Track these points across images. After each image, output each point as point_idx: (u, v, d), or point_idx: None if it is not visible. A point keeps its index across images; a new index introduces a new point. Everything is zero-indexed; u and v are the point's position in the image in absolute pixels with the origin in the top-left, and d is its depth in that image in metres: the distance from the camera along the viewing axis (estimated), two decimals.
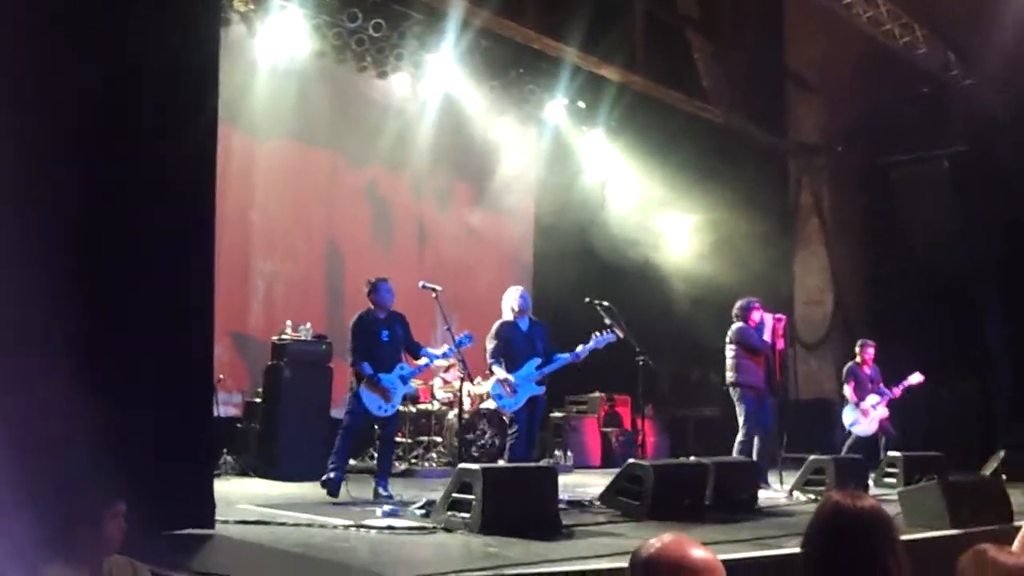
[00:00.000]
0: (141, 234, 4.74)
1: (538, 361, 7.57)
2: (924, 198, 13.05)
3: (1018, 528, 6.24)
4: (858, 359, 10.10)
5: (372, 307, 7.43)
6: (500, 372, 7.49)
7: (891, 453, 9.22)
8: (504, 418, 9.73)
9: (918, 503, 6.18)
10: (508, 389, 7.45)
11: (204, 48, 5.29)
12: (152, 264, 4.78)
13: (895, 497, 6.65)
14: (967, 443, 10.20)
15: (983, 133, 12.41)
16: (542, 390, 7.63)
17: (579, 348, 7.69)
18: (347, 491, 6.97)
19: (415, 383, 10.27)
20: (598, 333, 7.75)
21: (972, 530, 5.66)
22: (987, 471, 9.31)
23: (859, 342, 10.31)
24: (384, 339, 7.34)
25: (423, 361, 7.67)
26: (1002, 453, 9.59)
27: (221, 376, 9.04)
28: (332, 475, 6.99)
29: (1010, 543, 3.49)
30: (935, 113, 12.74)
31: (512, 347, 7.58)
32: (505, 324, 7.68)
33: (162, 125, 4.88)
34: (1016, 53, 11.33)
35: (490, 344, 7.61)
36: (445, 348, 7.78)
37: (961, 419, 11.08)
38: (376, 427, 7.60)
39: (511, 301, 7.72)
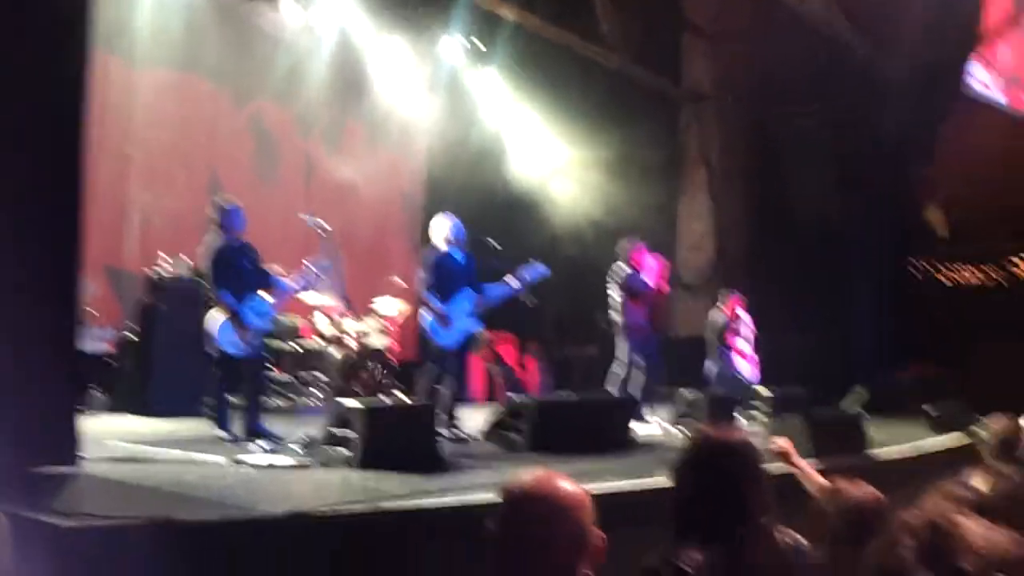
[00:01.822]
0: (3, 160, 4.46)
1: (474, 295, 7.29)
2: (805, 153, 13.46)
3: (873, 459, 6.64)
4: (726, 309, 10.45)
5: (224, 233, 6.74)
6: (435, 304, 7.17)
7: (758, 388, 9.63)
8: (388, 356, 9.63)
9: (783, 436, 6.45)
10: (444, 322, 7.14)
11: None
12: (15, 192, 4.52)
13: (762, 431, 6.98)
14: (830, 383, 10.72)
15: (863, 94, 12.83)
16: (480, 326, 7.37)
17: (514, 282, 7.46)
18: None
19: (296, 319, 10.08)
20: (528, 266, 7.52)
21: (832, 462, 5.97)
22: (848, 407, 9.84)
23: (725, 293, 10.66)
24: (246, 268, 6.80)
25: (275, 296, 7.01)
26: (860, 390, 10.15)
27: (93, 310, 8.68)
28: (226, 434, 6.54)
29: (865, 475, 3.68)
30: (822, 71, 13.07)
31: (449, 279, 7.23)
32: (441, 254, 7.33)
33: (30, 48, 4.59)
34: (904, 19, 11.70)
35: (424, 275, 7.28)
36: (297, 279, 7.06)
37: (825, 362, 11.65)
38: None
39: (443, 230, 7.36)
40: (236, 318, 6.63)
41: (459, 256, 7.38)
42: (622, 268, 8.83)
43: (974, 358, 11.67)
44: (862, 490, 2.87)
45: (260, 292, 6.89)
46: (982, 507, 2.79)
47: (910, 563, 1.79)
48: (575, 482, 1.86)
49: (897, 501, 2.85)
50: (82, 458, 4.79)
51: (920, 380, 11.21)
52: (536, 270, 7.52)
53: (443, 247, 7.36)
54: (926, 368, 11.69)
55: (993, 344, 11.82)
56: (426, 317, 7.31)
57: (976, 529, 1.99)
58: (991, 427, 4.60)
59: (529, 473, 1.87)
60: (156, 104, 10.43)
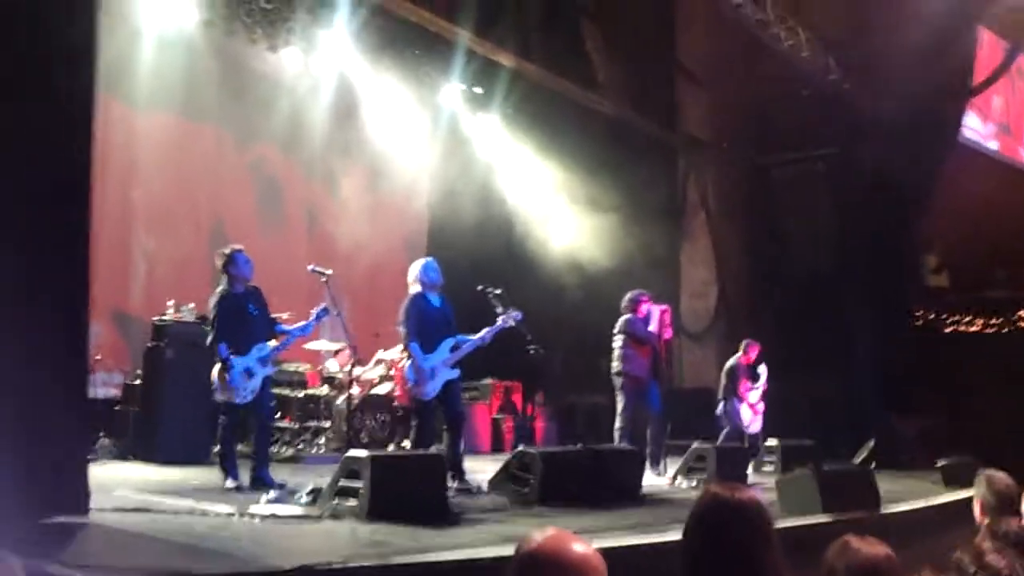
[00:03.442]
0: (10, 207, 4.48)
1: (452, 342, 7.07)
2: (801, 197, 13.59)
3: (884, 514, 6.59)
4: (740, 357, 10.45)
5: (231, 280, 6.79)
6: (419, 355, 6.92)
7: (769, 442, 9.59)
8: (395, 405, 9.54)
9: (793, 491, 6.44)
10: (426, 373, 6.91)
11: (80, 10, 4.93)
12: (23, 239, 4.51)
13: (772, 485, 6.96)
14: (839, 432, 10.70)
15: (855, 137, 12.99)
16: (457, 373, 7.11)
17: (486, 329, 7.26)
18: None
19: (303, 367, 10.07)
20: (506, 313, 7.35)
21: (843, 517, 5.96)
22: (858, 460, 9.80)
23: (744, 342, 10.66)
24: (253, 314, 6.76)
25: (280, 340, 7.03)
26: (872, 443, 10.12)
27: (99, 356, 8.69)
28: (231, 483, 6.52)
29: (877, 530, 3.68)
30: (814, 115, 13.25)
31: (427, 325, 6.98)
32: (418, 298, 7.06)
33: (33, 92, 4.57)
34: (897, 66, 11.89)
35: (404, 321, 7.01)
36: (302, 323, 7.09)
37: (832, 409, 11.61)
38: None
39: (418, 273, 7.14)
40: (226, 367, 6.60)
41: (436, 301, 7.15)
42: (626, 317, 8.79)
43: (974, 407, 11.68)
44: (873, 547, 2.87)
45: (266, 338, 6.89)
46: None
47: None
48: (586, 542, 1.86)
49: (909, 558, 2.88)
50: (91, 508, 4.77)
51: (922, 430, 11.19)
52: (513, 316, 7.36)
53: (415, 289, 7.15)
54: (927, 418, 11.68)
55: (992, 393, 11.84)
56: (408, 367, 7.13)
57: None
58: (987, 484, 4.47)
59: (541, 533, 1.87)
60: (158, 147, 10.51)
